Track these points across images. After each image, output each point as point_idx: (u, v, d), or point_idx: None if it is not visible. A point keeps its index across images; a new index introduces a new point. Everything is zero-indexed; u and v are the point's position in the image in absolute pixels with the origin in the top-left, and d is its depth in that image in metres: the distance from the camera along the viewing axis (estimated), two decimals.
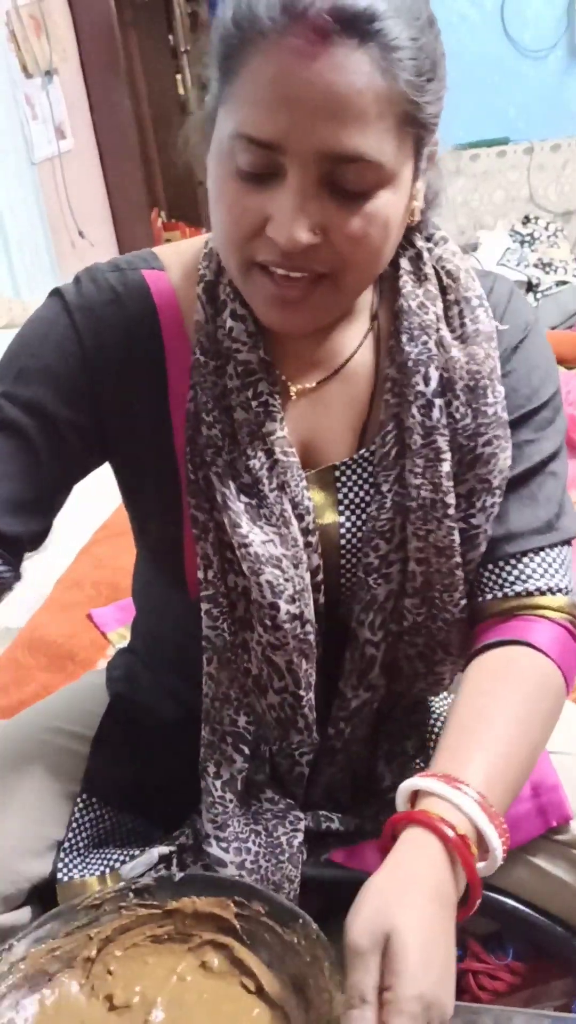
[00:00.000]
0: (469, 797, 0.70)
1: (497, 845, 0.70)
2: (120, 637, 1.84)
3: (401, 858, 0.68)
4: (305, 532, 0.86)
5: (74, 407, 0.86)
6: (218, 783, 0.90)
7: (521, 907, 0.93)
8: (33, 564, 2.83)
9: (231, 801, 0.90)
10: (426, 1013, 0.60)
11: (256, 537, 0.84)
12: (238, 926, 0.80)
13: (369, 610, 0.88)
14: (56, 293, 0.88)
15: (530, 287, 3.58)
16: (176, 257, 0.90)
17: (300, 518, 0.86)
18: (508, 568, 0.87)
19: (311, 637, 0.88)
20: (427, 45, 0.71)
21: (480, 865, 0.70)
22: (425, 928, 0.63)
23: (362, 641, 0.90)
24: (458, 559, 0.86)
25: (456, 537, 0.86)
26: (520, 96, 3.93)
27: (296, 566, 0.85)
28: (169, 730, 1.03)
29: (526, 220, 4.06)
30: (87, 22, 3.57)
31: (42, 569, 2.65)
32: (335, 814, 0.96)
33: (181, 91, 5.53)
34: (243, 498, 0.85)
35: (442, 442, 0.85)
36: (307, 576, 0.86)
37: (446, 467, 0.85)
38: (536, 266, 3.70)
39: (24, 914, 0.93)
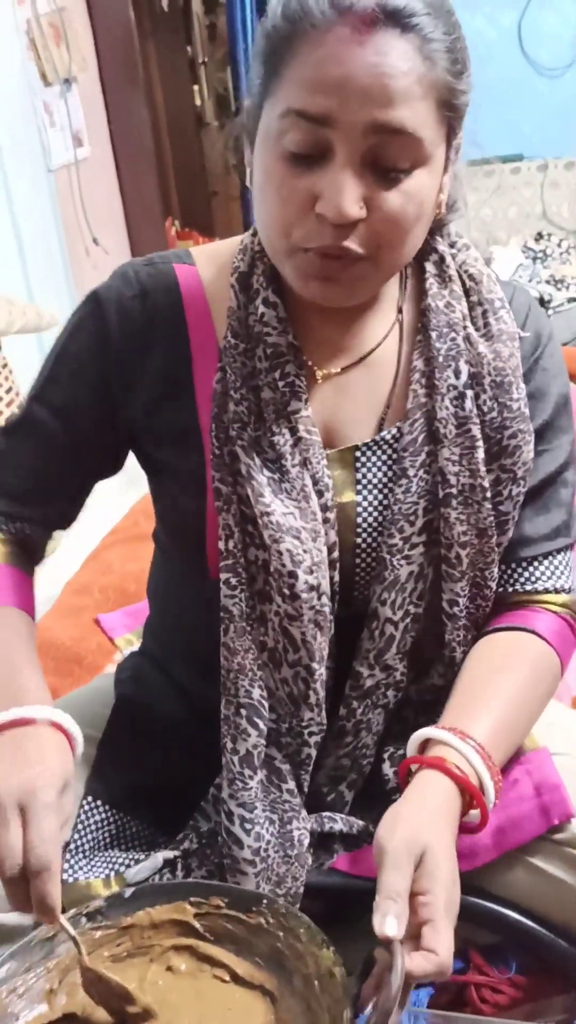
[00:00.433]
0: (473, 749, 0.83)
1: (491, 793, 0.83)
2: (127, 643, 1.84)
3: (423, 794, 0.80)
4: (324, 508, 0.90)
5: (96, 403, 0.94)
6: (236, 759, 0.92)
7: (524, 920, 0.93)
8: (41, 568, 2.83)
9: (251, 779, 0.92)
10: (452, 911, 0.74)
11: (277, 508, 0.88)
12: (198, 926, 0.81)
13: (391, 590, 0.92)
14: (92, 292, 0.95)
15: (542, 303, 3.58)
16: (209, 254, 0.96)
17: (319, 494, 0.90)
18: (519, 570, 0.97)
19: (327, 610, 0.91)
20: (458, 41, 0.78)
21: (473, 812, 0.83)
22: (449, 850, 0.77)
23: (383, 620, 0.92)
24: (496, 539, 0.92)
25: (492, 518, 0.92)
26: (535, 113, 3.94)
27: (314, 539, 0.89)
28: (175, 732, 1.03)
29: (539, 236, 4.07)
30: (107, 32, 3.59)
31: (50, 573, 2.65)
32: (339, 815, 0.96)
33: (198, 102, 5.56)
34: (266, 472, 0.89)
35: (476, 430, 0.90)
36: (324, 550, 0.90)
37: (480, 454, 0.91)
38: (548, 282, 3.71)
39: (24, 916, 0.93)
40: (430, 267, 0.94)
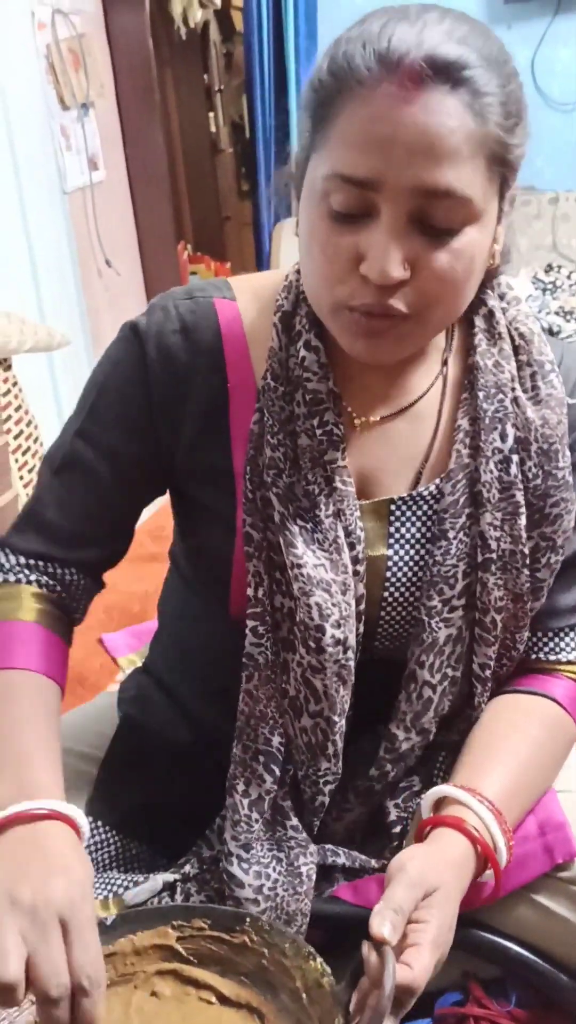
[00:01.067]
0: (489, 811, 0.83)
1: (503, 857, 0.83)
2: (130, 663, 1.84)
3: (442, 847, 0.81)
4: (355, 561, 0.88)
5: (140, 442, 0.92)
6: (245, 802, 0.91)
7: (525, 953, 0.92)
8: None
9: (256, 821, 0.91)
10: (438, 949, 0.74)
11: (309, 559, 0.86)
12: (181, 949, 0.80)
13: (430, 652, 0.90)
14: (130, 324, 0.92)
15: (551, 334, 3.60)
16: (249, 288, 0.93)
17: (351, 546, 0.88)
18: (545, 639, 0.97)
19: (351, 664, 0.89)
20: (514, 92, 0.76)
21: (487, 872, 0.83)
22: (455, 901, 0.79)
23: (421, 683, 0.91)
24: (529, 604, 0.91)
25: (528, 584, 0.90)
26: (548, 147, 3.98)
27: (344, 592, 0.87)
28: (179, 754, 1.03)
29: (549, 268, 4.09)
30: (125, 58, 3.64)
31: None
32: (341, 848, 0.96)
33: (213, 129, 5.62)
34: (299, 521, 0.87)
35: (519, 496, 0.88)
36: (353, 603, 0.88)
37: (523, 520, 0.89)
38: (557, 314, 3.73)
39: None
40: (479, 322, 0.92)
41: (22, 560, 0.94)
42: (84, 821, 0.79)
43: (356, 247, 0.76)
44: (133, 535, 1.00)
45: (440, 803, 0.86)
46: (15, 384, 2.64)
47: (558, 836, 0.90)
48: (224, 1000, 0.79)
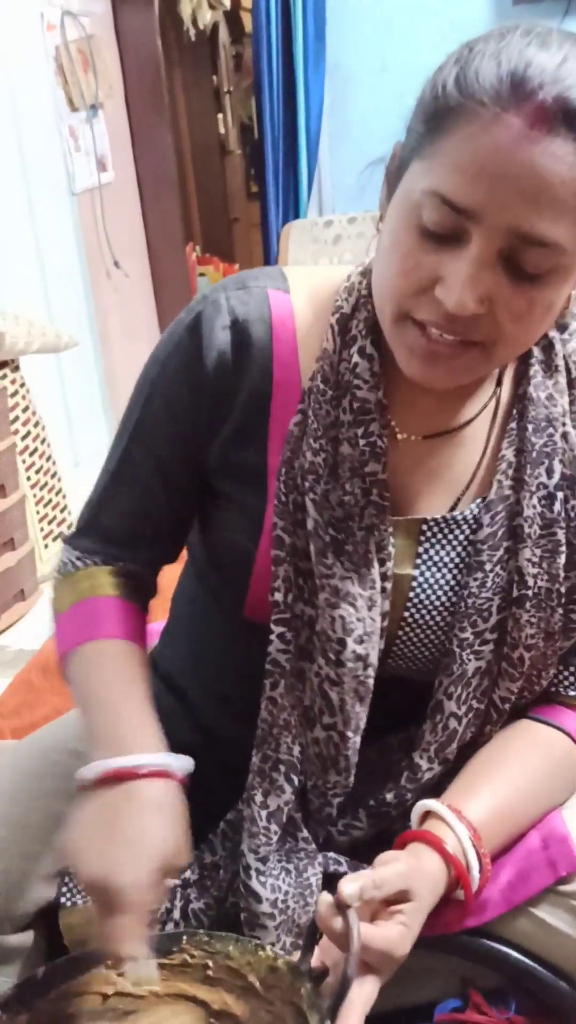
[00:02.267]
0: (467, 832, 0.82)
1: (475, 880, 0.82)
2: None
3: (421, 861, 0.80)
4: (383, 577, 0.87)
5: (191, 446, 0.91)
6: (264, 813, 0.89)
7: (525, 960, 0.92)
8: (50, 587, 2.83)
9: (275, 833, 0.89)
10: (388, 958, 0.73)
11: (338, 571, 0.85)
12: (117, 988, 0.78)
13: (458, 684, 0.89)
14: (181, 321, 0.90)
15: None
16: (305, 282, 0.91)
17: (381, 562, 0.87)
18: (566, 673, 0.94)
19: (370, 681, 0.88)
20: None
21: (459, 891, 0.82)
22: (424, 914, 0.78)
23: (447, 714, 0.90)
24: (560, 643, 0.90)
25: (561, 624, 0.89)
26: None
27: (370, 608, 0.86)
28: (184, 755, 1.02)
29: None
30: (134, 60, 3.65)
31: None
32: (343, 857, 0.95)
33: (222, 130, 5.63)
34: (331, 531, 0.86)
35: (561, 535, 0.87)
36: (378, 619, 0.87)
37: (563, 559, 0.87)
38: None
39: (27, 937, 0.93)
40: (537, 352, 0.89)
41: (88, 555, 0.98)
42: (183, 762, 0.83)
43: (437, 268, 0.74)
44: (185, 538, 1.01)
45: (424, 817, 0.86)
46: (23, 385, 2.64)
47: (561, 849, 0.89)
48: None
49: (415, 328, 0.78)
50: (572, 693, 0.94)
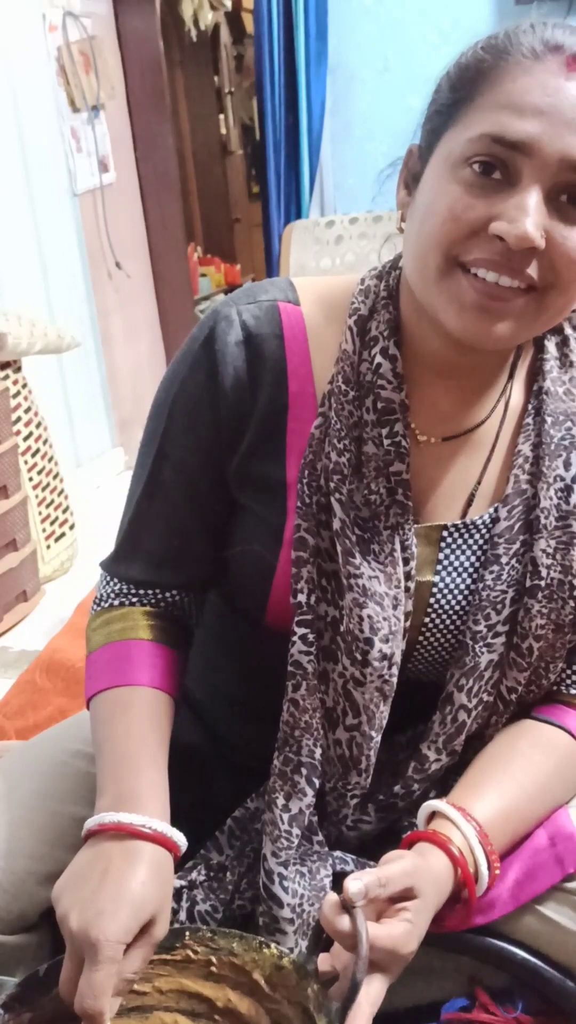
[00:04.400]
0: (475, 832, 0.82)
1: (484, 881, 0.82)
2: None
3: (428, 862, 0.80)
4: (407, 576, 0.87)
5: (213, 461, 0.90)
6: (286, 816, 0.89)
7: (532, 959, 0.92)
8: (53, 588, 2.84)
9: (297, 837, 0.89)
10: (395, 956, 0.73)
11: (365, 571, 0.85)
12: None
13: (470, 676, 0.89)
14: (195, 337, 0.90)
15: None
16: (314, 292, 0.91)
17: (405, 562, 0.87)
18: (569, 672, 0.94)
19: (394, 680, 0.88)
20: None
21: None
22: (430, 914, 0.78)
23: (456, 706, 0.90)
24: (570, 636, 0.90)
25: (573, 616, 0.89)
26: None
27: (395, 607, 0.86)
28: (189, 757, 1.02)
29: None
30: (136, 60, 3.65)
31: (63, 594, 2.66)
32: (350, 856, 0.95)
33: (223, 131, 5.65)
34: (357, 530, 0.85)
35: None
36: (402, 619, 0.87)
37: None
38: None
39: (32, 937, 0.93)
40: (551, 347, 0.90)
41: (125, 588, 0.96)
42: (179, 837, 0.81)
43: (490, 210, 0.75)
44: (223, 549, 0.97)
45: (431, 817, 0.86)
46: (25, 386, 2.65)
47: (568, 847, 0.89)
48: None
49: (466, 278, 0.77)
50: (575, 692, 0.94)
